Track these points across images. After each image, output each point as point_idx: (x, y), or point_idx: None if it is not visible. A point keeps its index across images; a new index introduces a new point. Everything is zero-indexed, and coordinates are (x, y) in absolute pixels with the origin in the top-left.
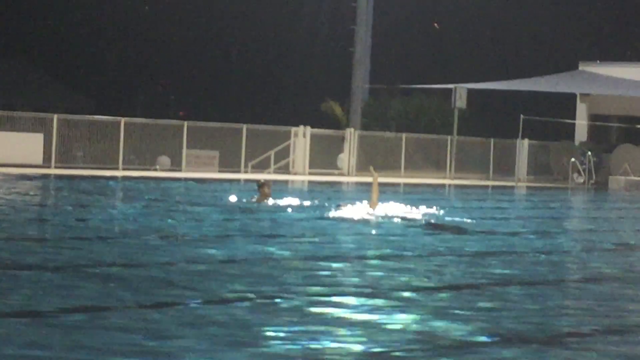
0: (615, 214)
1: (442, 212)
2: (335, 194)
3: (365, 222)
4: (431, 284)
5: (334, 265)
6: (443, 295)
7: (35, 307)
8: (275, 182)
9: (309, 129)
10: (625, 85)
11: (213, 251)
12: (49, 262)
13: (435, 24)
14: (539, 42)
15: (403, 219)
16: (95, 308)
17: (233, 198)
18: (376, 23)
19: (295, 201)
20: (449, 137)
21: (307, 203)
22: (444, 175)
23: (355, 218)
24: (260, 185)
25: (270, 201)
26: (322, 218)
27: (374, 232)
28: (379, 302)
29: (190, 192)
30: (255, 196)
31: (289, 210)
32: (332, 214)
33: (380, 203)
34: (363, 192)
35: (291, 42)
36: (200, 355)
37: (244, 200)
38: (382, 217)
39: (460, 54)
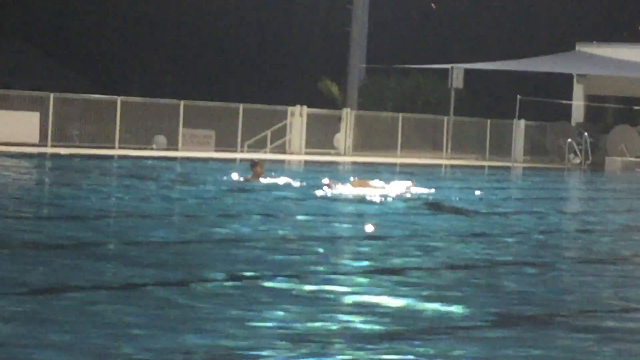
0: (611, 195)
1: (438, 192)
2: (330, 173)
3: (359, 201)
4: (426, 265)
5: (327, 245)
6: (438, 275)
7: (32, 285)
8: (271, 161)
9: (305, 109)
10: (622, 66)
11: (203, 230)
12: (40, 240)
13: (433, 4)
14: (536, 22)
15: (399, 199)
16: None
17: (225, 177)
18: (373, 2)
19: (289, 180)
20: (445, 117)
21: (300, 183)
22: (440, 155)
23: (349, 198)
24: (253, 164)
25: (263, 180)
26: (314, 197)
27: (369, 211)
28: (373, 282)
29: (184, 171)
30: (248, 176)
31: (282, 189)
32: (325, 193)
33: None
34: (358, 171)
35: (288, 21)
36: (192, 336)
37: (236, 179)
38: (378, 197)
39: (457, 34)
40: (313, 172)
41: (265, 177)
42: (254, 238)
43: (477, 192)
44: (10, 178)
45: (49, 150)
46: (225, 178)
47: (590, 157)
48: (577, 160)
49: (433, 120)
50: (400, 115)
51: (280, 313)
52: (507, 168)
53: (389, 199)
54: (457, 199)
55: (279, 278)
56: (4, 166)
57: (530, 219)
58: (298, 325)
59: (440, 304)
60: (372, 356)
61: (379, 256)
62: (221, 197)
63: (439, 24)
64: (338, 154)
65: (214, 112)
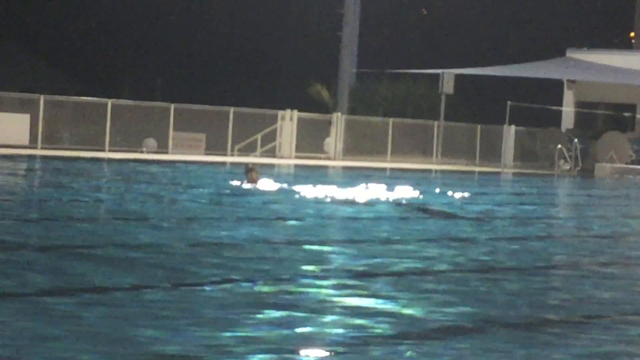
0: (600, 202)
1: (428, 197)
2: (321, 178)
3: (349, 205)
4: (416, 269)
5: (320, 249)
6: (428, 279)
7: (16, 289)
8: (261, 165)
9: (295, 113)
10: (613, 73)
11: (197, 234)
12: (29, 243)
13: (424, 9)
14: (526, 28)
15: (390, 203)
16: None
17: (221, 181)
18: (364, 7)
19: (283, 185)
20: (435, 123)
21: (295, 187)
22: (430, 160)
23: (341, 202)
24: (248, 170)
25: (258, 185)
26: (309, 201)
27: (359, 216)
28: (364, 286)
29: (178, 175)
30: (244, 180)
31: (277, 194)
32: (319, 198)
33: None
34: (348, 176)
35: (279, 25)
36: (182, 340)
37: (232, 183)
38: (370, 202)
39: (448, 40)
40: (306, 176)
41: (259, 181)
42: (246, 242)
43: (466, 197)
44: None
45: (39, 152)
46: (220, 182)
47: (580, 163)
48: (567, 166)
49: (423, 125)
50: (391, 120)
51: (264, 317)
52: (497, 173)
53: (379, 203)
54: (446, 203)
55: (267, 281)
56: None
57: (519, 224)
58: (281, 329)
59: (424, 308)
60: (361, 358)
61: (369, 260)
62: (215, 201)
63: (429, 29)
64: (328, 159)
65: (205, 115)
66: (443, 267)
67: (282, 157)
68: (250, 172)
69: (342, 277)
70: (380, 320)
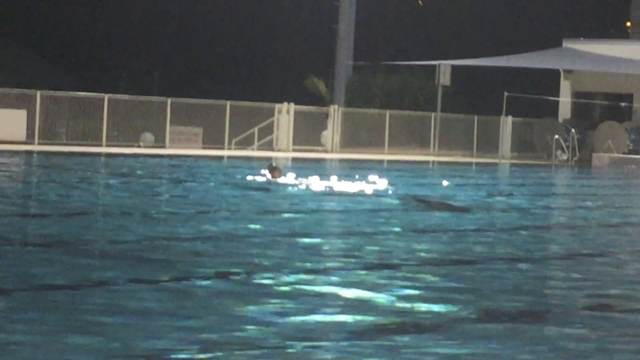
0: (598, 191)
1: (426, 188)
2: (331, 172)
3: (350, 197)
4: (417, 260)
5: (324, 241)
6: (429, 271)
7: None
8: (258, 159)
9: (292, 106)
10: (609, 63)
11: (210, 227)
12: (27, 237)
13: (420, 1)
14: (523, 19)
15: (388, 195)
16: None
17: (244, 176)
18: None
19: (301, 182)
20: (432, 114)
21: (311, 181)
22: (427, 152)
23: (343, 194)
24: (272, 169)
25: (282, 181)
26: (320, 195)
27: (360, 208)
28: (366, 277)
29: (188, 169)
30: (267, 176)
31: (293, 189)
32: (330, 191)
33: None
34: (350, 169)
35: (275, 18)
36: (186, 331)
37: (250, 179)
38: (368, 194)
39: (444, 31)
40: (311, 170)
41: (282, 179)
42: (250, 236)
43: (465, 188)
44: None
45: (36, 148)
46: (239, 177)
47: (577, 154)
48: (564, 157)
49: (420, 117)
50: (388, 112)
51: (267, 308)
52: (495, 164)
53: (380, 196)
54: (446, 195)
55: (266, 274)
56: None
57: (519, 215)
58: (287, 320)
59: (428, 299)
60: (360, 350)
61: (367, 251)
62: (242, 197)
63: (426, 20)
64: (325, 151)
65: (201, 109)
66: (445, 258)
67: (279, 150)
68: (273, 171)
69: (342, 268)
70: (381, 312)
